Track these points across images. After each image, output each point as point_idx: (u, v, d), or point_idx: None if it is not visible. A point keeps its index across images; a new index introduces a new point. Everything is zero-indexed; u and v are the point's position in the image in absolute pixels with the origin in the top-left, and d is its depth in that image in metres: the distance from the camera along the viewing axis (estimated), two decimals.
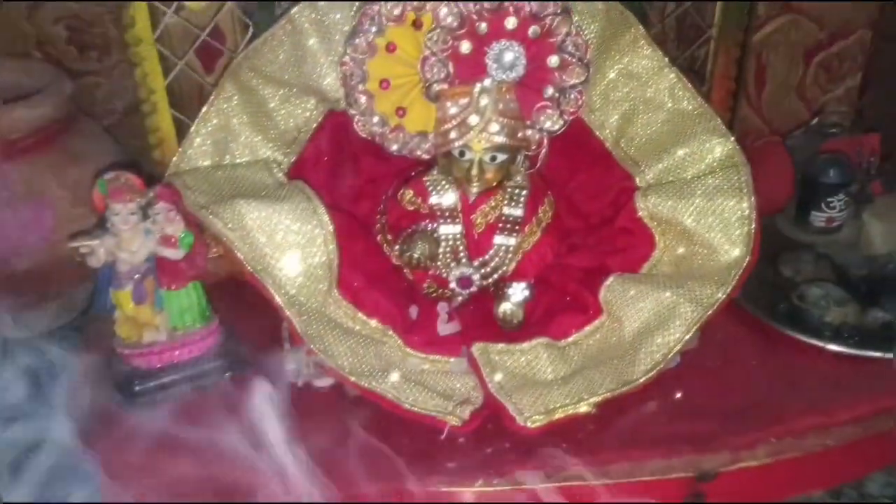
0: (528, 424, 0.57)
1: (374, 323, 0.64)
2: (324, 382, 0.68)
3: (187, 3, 0.72)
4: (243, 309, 0.67)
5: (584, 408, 0.59)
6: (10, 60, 0.82)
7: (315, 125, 0.72)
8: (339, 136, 0.72)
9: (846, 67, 0.90)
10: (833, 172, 0.76)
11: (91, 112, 0.85)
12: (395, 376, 0.60)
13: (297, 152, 0.71)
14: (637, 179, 0.72)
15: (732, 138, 0.71)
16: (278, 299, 0.60)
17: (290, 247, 0.62)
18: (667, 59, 0.73)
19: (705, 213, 0.67)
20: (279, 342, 0.69)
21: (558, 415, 0.58)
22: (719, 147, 0.70)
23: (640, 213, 0.69)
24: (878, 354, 0.67)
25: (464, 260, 0.66)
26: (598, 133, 0.74)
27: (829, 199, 0.77)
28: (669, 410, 0.62)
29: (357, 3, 0.67)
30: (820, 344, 0.69)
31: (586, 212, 0.72)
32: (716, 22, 0.78)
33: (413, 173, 0.69)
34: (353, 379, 0.60)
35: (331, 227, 0.62)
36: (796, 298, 0.72)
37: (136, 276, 0.65)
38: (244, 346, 0.70)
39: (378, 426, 0.63)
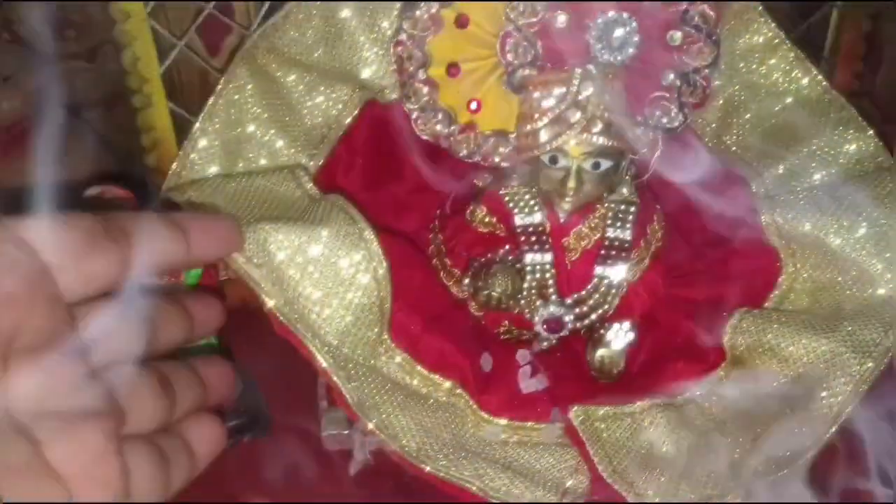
0: None
1: (437, 378, 0.50)
2: (367, 450, 0.54)
3: None
4: (261, 346, 0.53)
5: (731, 500, 0.45)
6: None
7: (349, 120, 0.57)
8: (378, 133, 0.57)
9: None
10: None
11: (69, 104, 0.71)
12: (475, 458, 0.46)
13: (326, 154, 0.56)
14: (753, 185, 0.58)
15: (871, 132, 0.58)
16: (323, 361, 0.46)
17: (332, 285, 0.48)
18: (783, 35, 0.59)
19: (853, 230, 0.53)
20: (310, 392, 0.55)
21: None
22: (859, 144, 0.57)
23: (766, 230, 0.55)
24: None
25: (553, 297, 0.51)
26: (694, 127, 0.60)
27: None
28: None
29: None
30: None
31: (687, 227, 0.58)
32: None
33: (479, 183, 0.54)
34: (427, 469, 0.45)
35: (384, 261, 0.48)
36: None
37: None
38: (265, 401, 0.58)
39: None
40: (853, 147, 0.58)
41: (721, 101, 0.60)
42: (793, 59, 0.60)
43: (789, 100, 0.59)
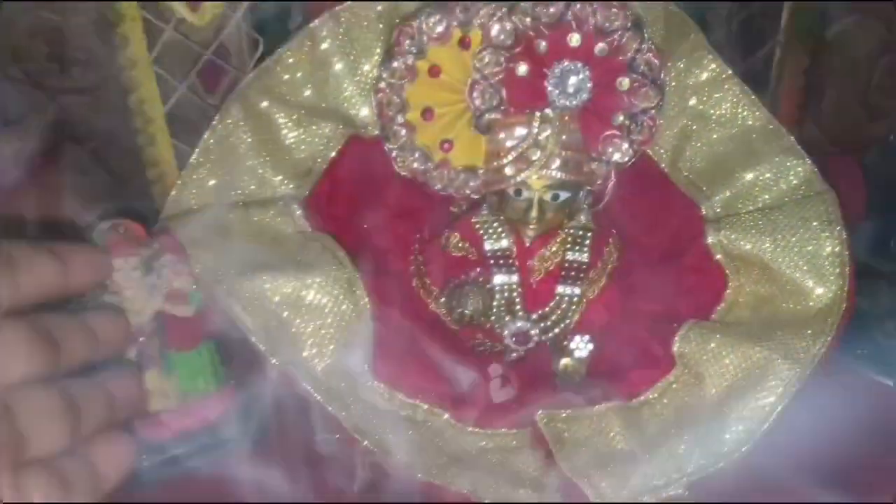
0: None
1: (416, 403, 0.56)
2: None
3: (188, 14, 0.63)
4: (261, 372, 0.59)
5: (673, 490, 0.51)
6: None
7: (333, 154, 0.63)
8: (361, 165, 0.62)
9: None
10: None
11: (75, 137, 0.76)
12: (462, 465, 0.52)
13: (312, 185, 0.62)
14: (703, 208, 0.64)
15: (809, 161, 0.64)
16: (318, 395, 0.52)
17: (321, 327, 0.54)
18: (730, 71, 0.65)
19: (790, 250, 0.59)
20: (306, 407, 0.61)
21: (646, 499, 0.50)
22: (797, 171, 0.63)
23: (712, 249, 0.61)
24: None
25: (520, 313, 0.57)
26: (650, 153, 0.66)
27: None
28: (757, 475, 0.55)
29: (384, 5, 0.59)
30: None
31: (644, 245, 0.64)
32: (783, 27, 0.69)
33: (454, 209, 0.60)
34: (421, 475, 0.51)
35: (368, 306, 0.54)
36: (881, 335, 0.64)
37: (141, 339, 0.57)
38: (266, 410, 0.63)
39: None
40: (792, 173, 0.63)
41: (675, 131, 0.65)
42: (739, 93, 0.64)
43: (736, 130, 0.64)
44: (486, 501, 0.51)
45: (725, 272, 0.61)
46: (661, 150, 0.66)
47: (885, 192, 0.70)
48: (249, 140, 0.61)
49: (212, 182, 0.61)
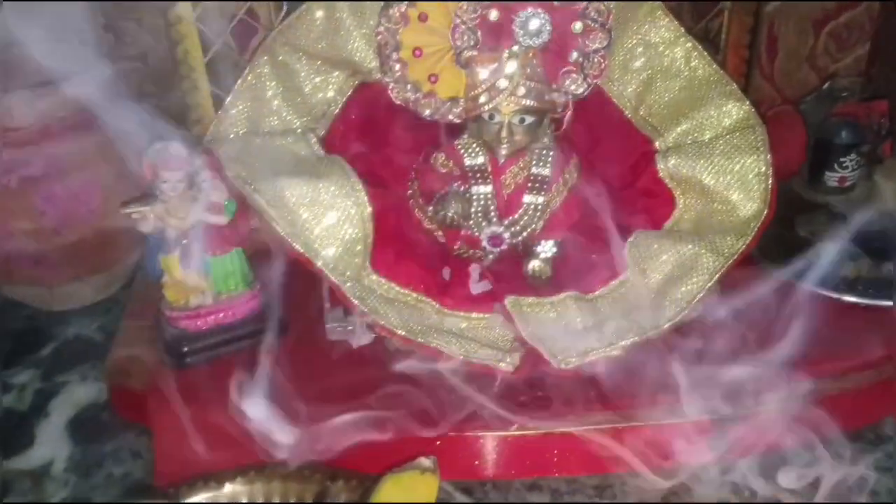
0: (563, 365, 0.61)
1: (408, 291, 0.67)
2: (362, 341, 0.72)
3: None
4: (281, 278, 0.71)
5: (615, 352, 0.62)
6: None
7: (345, 98, 0.75)
8: (369, 108, 0.75)
9: (855, 37, 0.93)
10: (845, 133, 0.80)
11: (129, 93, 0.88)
12: (442, 333, 0.63)
13: (327, 126, 0.75)
14: (657, 143, 0.75)
15: (748, 102, 0.74)
16: (324, 269, 0.64)
17: (329, 223, 0.65)
18: (682, 29, 0.76)
19: (724, 172, 0.70)
20: (318, 306, 0.72)
21: (591, 356, 0.61)
22: (735, 110, 0.74)
23: (661, 175, 0.72)
24: (890, 304, 0.71)
25: (494, 219, 0.69)
26: (617, 102, 0.77)
27: (842, 160, 0.80)
28: (692, 359, 0.65)
29: None
30: (836, 296, 0.72)
31: (609, 176, 0.75)
32: None
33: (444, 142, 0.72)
34: (403, 333, 0.63)
35: (368, 207, 0.65)
36: (813, 256, 0.75)
37: (184, 241, 0.69)
38: (285, 310, 0.74)
39: (415, 379, 0.67)
40: (733, 112, 0.74)
41: (639, 82, 0.77)
42: (691, 48, 0.76)
43: (688, 79, 0.76)
44: (459, 356, 0.62)
45: (674, 195, 0.73)
46: (627, 100, 0.77)
47: (817, 133, 0.80)
48: (274, 86, 0.74)
49: (242, 119, 0.74)
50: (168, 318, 0.71)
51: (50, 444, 0.71)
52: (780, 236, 0.75)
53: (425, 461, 0.57)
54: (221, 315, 0.72)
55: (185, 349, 0.70)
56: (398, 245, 0.68)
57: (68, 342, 0.83)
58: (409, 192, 0.73)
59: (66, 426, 0.73)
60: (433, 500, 0.57)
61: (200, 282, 0.71)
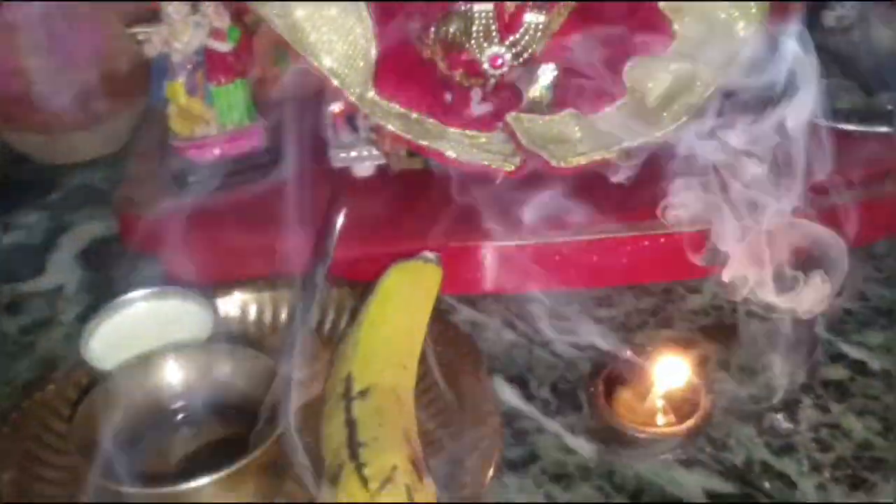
0: (563, 164, 0.62)
1: (411, 111, 0.68)
2: (364, 172, 0.73)
3: None
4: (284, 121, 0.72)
5: (612, 154, 0.64)
6: None
7: None
8: None
9: None
10: None
11: None
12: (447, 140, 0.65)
13: None
14: None
15: None
16: (326, 71, 0.64)
17: (333, 36, 0.66)
18: None
19: None
20: (321, 143, 0.73)
21: (590, 157, 0.63)
22: None
23: (660, 5, 0.73)
24: (883, 130, 0.73)
25: (496, 39, 0.70)
26: None
27: None
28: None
29: None
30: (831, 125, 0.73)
31: (605, 9, 0.76)
32: None
33: None
34: (409, 137, 0.64)
35: (371, 26, 0.66)
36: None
37: (189, 66, 0.70)
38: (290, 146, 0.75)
39: (421, 197, 0.69)
40: None
41: None
42: None
43: None
44: (463, 160, 0.64)
45: (673, 28, 0.73)
46: None
47: None
48: None
49: None
50: (175, 148, 0.73)
51: (61, 272, 0.73)
52: None
53: (429, 253, 0.59)
54: (226, 146, 0.73)
55: (192, 179, 0.72)
56: (401, 68, 0.68)
57: (75, 189, 0.84)
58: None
59: (76, 256, 0.75)
60: (437, 289, 0.59)
61: (205, 111, 0.72)
